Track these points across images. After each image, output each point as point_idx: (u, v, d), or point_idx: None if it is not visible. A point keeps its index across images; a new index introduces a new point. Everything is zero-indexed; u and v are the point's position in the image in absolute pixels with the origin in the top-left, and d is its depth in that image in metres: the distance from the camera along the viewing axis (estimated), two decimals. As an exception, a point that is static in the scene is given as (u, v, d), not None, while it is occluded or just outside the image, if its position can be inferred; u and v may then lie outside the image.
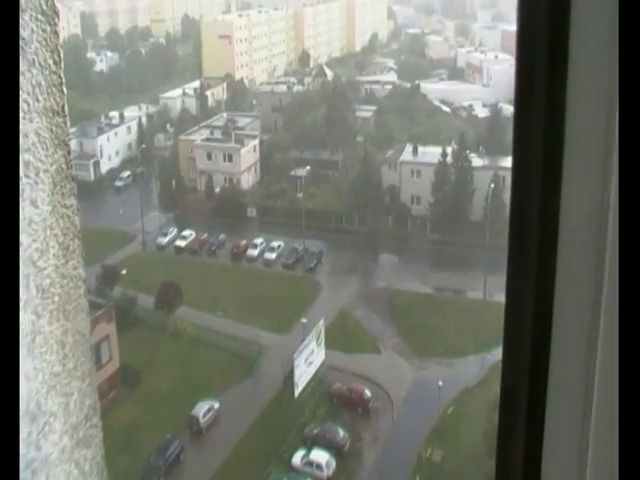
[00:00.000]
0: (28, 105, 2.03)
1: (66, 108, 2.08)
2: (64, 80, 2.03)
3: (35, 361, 2.18)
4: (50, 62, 1.97)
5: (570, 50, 1.30)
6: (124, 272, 67.84)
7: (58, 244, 2.22)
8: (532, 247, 1.37)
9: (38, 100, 2.00)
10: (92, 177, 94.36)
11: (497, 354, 57.94)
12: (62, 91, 2.05)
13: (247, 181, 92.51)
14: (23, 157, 2.04)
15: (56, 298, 2.23)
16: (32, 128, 2.05)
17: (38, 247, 2.15)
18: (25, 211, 2.10)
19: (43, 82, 1.98)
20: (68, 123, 2.15)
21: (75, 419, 2.37)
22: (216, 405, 52.53)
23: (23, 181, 2.06)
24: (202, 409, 51.93)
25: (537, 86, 1.35)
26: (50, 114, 2.04)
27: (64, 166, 2.20)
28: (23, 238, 2.10)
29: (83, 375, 2.38)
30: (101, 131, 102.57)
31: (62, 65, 2.02)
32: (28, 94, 2.02)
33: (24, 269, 2.12)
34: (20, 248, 2.09)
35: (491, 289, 67.74)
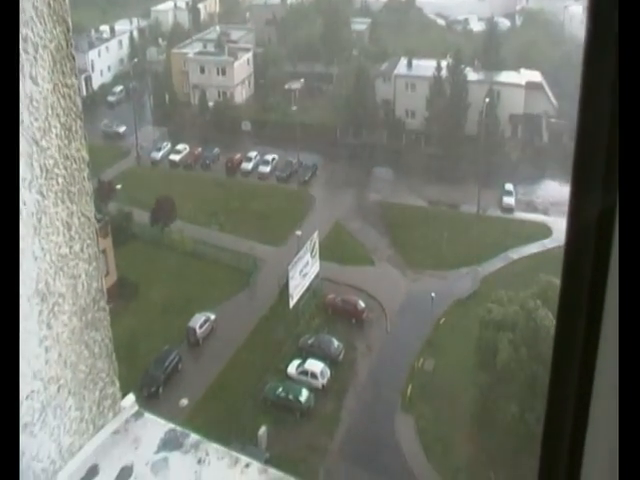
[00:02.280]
0: None
1: None
2: None
3: (42, 241, 2.30)
4: None
5: None
6: (119, 187, 67.71)
7: (60, 124, 2.31)
8: (596, 182, 1.26)
9: None
10: (84, 92, 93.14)
11: (489, 267, 58.58)
12: None
13: (241, 95, 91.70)
14: (21, 31, 2.06)
15: (60, 179, 2.32)
16: (29, 1, 2.06)
17: (40, 126, 2.21)
18: (25, 88, 2.13)
19: None
20: None
21: (83, 301, 2.52)
22: (212, 317, 53.17)
23: (22, 57, 2.09)
24: (199, 321, 52.57)
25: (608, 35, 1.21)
26: None
27: (64, 44, 2.23)
28: (24, 116, 2.15)
29: (89, 258, 2.51)
30: (92, 45, 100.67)
31: None
32: None
33: (27, 148, 2.18)
34: (22, 126, 2.15)
35: (484, 203, 68.06)
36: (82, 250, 2.46)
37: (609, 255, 1.27)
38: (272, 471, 2.55)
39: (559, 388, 1.42)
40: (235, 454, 2.61)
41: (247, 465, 2.56)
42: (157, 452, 2.64)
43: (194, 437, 2.68)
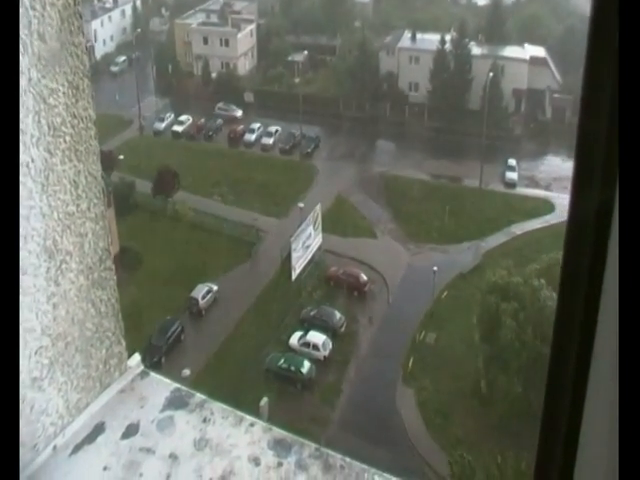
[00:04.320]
0: None
1: None
2: None
3: (50, 199, 2.32)
4: None
5: None
6: (122, 157, 67.57)
7: (68, 82, 2.31)
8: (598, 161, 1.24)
9: None
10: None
11: (491, 241, 58.62)
12: None
13: (244, 66, 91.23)
14: None
15: (67, 138, 2.34)
16: None
17: (48, 84, 2.23)
18: (34, 46, 2.15)
19: None
20: None
21: (90, 260, 2.55)
22: (215, 287, 53.31)
23: (30, 14, 2.11)
24: (201, 291, 52.74)
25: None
26: None
27: (71, 2, 2.26)
28: (33, 73, 2.17)
29: (96, 217, 2.53)
30: (95, 15, 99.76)
31: None
32: None
33: (35, 105, 2.20)
34: (29, 83, 2.17)
35: (487, 178, 67.96)
36: (89, 209, 2.49)
37: (606, 248, 1.28)
38: (276, 430, 2.60)
39: (557, 381, 1.45)
40: (240, 413, 2.66)
41: (252, 424, 2.62)
42: (162, 411, 2.68)
43: (199, 396, 2.73)
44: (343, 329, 50.81)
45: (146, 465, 2.48)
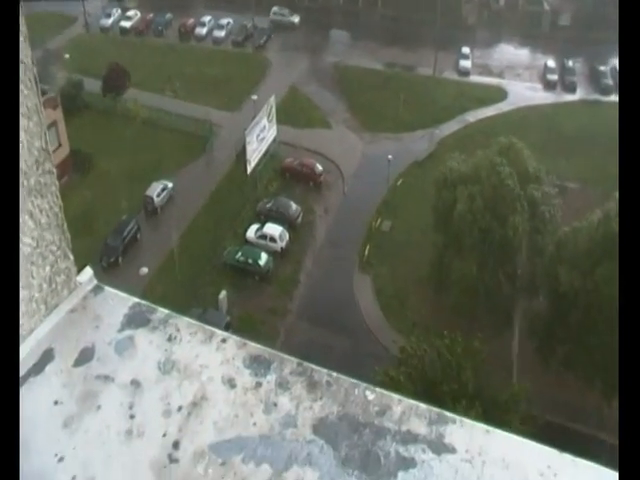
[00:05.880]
0: None
1: None
2: None
3: None
4: None
5: None
6: (67, 56, 65.87)
7: None
8: None
9: None
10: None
11: (445, 129, 58.62)
12: None
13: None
14: None
15: None
16: None
17: None
18: None
19: None
20: None
21: (24, 164, 2.15)
22: (170, 185, 52.94)
23: None
24: (156, 189, 52.37)
25: None
26: None
27: None
28: None
29: (29, 111, 2.12)
30: None
31: None
32: None
33: None
34: None
35: (441, 66, 67.60)
36: (22, 103, 2.09)
37: None
38: (252, 345, 2.30)
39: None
40: (210, 328, 2.35)
41: (224, 340, 2.31)
42: (121, 330, 2.37)
43: (162, 311, 2.41)
44: (299, 220, 50.99)
45: (104, 395, 2.20)
